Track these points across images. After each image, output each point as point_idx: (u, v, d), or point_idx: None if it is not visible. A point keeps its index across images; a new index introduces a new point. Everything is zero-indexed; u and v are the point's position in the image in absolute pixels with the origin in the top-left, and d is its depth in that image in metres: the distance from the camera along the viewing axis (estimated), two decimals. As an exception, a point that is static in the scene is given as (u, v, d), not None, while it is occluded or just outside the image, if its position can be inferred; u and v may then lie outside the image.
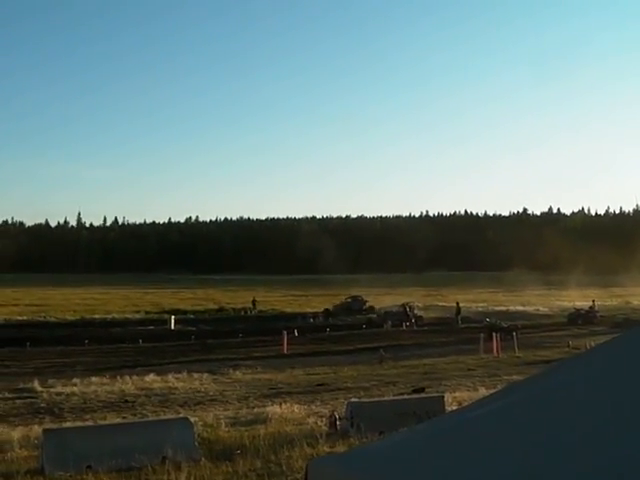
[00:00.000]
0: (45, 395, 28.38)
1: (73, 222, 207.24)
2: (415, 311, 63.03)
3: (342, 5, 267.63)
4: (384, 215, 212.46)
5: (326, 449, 17.78)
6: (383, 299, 71.63)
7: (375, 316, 62.29)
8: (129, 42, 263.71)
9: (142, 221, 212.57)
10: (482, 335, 43.91)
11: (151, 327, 55.74)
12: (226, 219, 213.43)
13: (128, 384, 30.65)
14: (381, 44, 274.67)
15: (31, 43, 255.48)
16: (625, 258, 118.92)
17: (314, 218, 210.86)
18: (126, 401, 27.48)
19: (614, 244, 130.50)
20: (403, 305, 63.29)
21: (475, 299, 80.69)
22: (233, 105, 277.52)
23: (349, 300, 68.08)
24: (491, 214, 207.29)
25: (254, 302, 71.08)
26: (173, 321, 57.49)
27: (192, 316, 64.11)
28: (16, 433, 19.88)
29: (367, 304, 67.95)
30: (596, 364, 4.06)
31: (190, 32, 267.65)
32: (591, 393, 3.65)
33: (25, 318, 59.72)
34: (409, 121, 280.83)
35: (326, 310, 65.98)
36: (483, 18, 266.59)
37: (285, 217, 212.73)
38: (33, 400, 27.65)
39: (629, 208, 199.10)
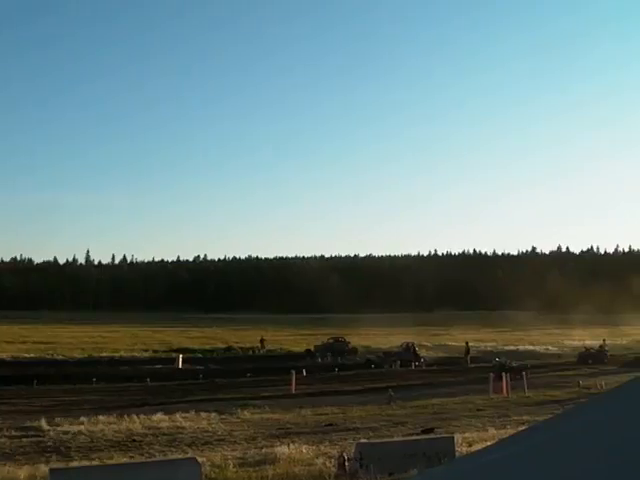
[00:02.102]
0: (52, 434, 28.22)
1: (82, 260, 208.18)
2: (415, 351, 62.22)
3: (346, 17, 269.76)
4: (393, 254, 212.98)
5: (335, 490, 17.64)
6: (391, 339, 71.30)
7: (374, 357, 61.36)
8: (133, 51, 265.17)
9: (151, 259, 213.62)
10: (491, 375, 43.64)
11: (159, 366, 55.46)
12: (234, 258, 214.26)
13: (135, 423, 30.48)
14: (389, 80, 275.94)
15: (26, 56, 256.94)
16: (635, 296, 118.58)
17: (322, 257, 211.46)
18: (133, 440, 27.31)
19: (623, 282, 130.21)
20: (403, 345, 62.74)
21: (484, 338, 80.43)
22: (242, 143, 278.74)
23: (331, 341, 67.02)
24: (500, 253, 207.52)
25: (262, 341, 70.87)
26: (181, 360, 57.28)
27: (200, 355, 63.89)
28: (22, 472, 19.78)
29: (350, 345, 66.99)
30: (614, 407, 4.00)
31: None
32: (610, 437, 3.58)
33: (33, 356, 59.53)
34: (417, 160, 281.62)
35: (307, 351, 65.58)
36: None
37: (294, 256, 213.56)
38: (40, 439, 27.48)
39: (638, 246, 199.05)
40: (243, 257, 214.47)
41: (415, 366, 58.31)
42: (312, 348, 65.80)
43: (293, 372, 44.89)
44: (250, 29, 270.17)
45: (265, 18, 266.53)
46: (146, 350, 66.11)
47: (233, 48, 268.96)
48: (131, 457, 23.93)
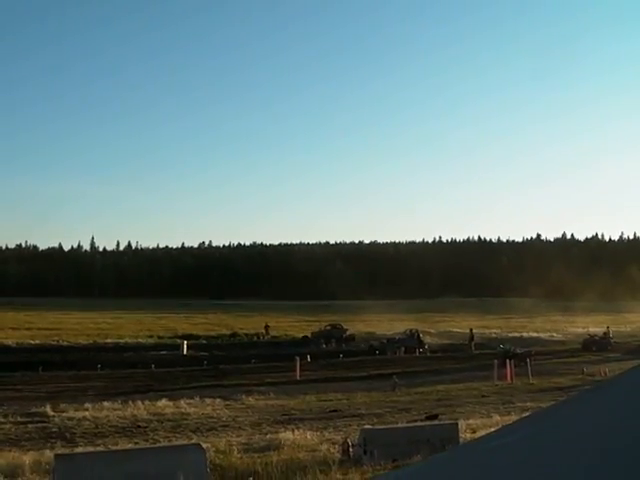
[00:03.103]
0: (57, 420, 28.32)
1: (86, 246, 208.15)
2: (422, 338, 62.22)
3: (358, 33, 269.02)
4: (397, 241, 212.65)
5: (339, 476, 17.70)
6: (395, 326, 71.26)
7: (378, 343, 61.37)
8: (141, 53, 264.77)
9: (155, 246, 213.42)
10: (496, 361, 43.67)
11: (164, 352, 55.56)
12: (239, 244, 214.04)
13: (140, 409, 30.56)
14: (398, 78, 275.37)
15: (31, 55, 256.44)
16: (639, 284, 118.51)
17: (327, 243, 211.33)
18: (138, 426, 27.40)
19: (628, 270, 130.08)
20: (406, 332, 62.75)
21: (489, 325, 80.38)
22: (247, 132, 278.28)
23: (328, 328, 66.93)
24: (504, 240, 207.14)
25: (267, 328, 70.87)
26: (185, 346, 57.35)
27: (205, 341, 63.93)
28: (27, 458, 19.84)
29: (347, 332, 66.62)
30: (618, 394, 3.99)
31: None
32: (613, 424, 3.58)
33: (38, 342, 59.61)
34: (423, 150, 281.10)
35: (305, 338, 65.69)
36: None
37: (298, 242, 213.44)
38: (45, 425, 27.60)
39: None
40: (248, 243, 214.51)
41: (419, 353, 58.39)
42: (309, 335, 65.94)
43: (297, 358, 44.93)
44: (261, 27, 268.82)
45: (272, 17, 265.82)
46: (151, 336, 66.20)
47: (241, 46, 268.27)
48: (136, 443, 24.01)
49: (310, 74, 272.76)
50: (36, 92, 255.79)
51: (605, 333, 65.43)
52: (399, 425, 25.58)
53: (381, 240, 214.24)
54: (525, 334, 72.41)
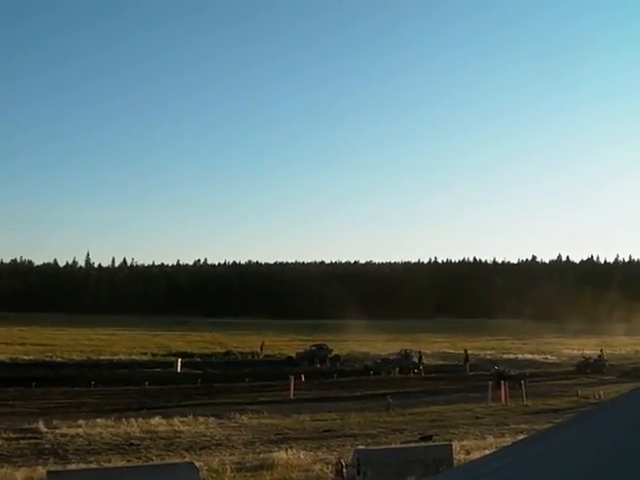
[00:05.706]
0: (50, 436, 28.18)
1: (82, 262, 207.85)
2: (415, 359, 62.02)
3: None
4: (393, 261, 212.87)
5: (332, 497, 17.60)
6: (391, 345, 71.25)
7: (372, 363, 61.16)
8: (140, 75, 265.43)
9: (150, 263, 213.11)
10: (490, 383, 43.59)
11: (158, 369, 55.46)
12: (234, 262, 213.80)
13: (133, 427, 30.43)
14: (405, 99, 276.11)
15: (29, 77, 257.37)
16: (635, 306, 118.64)
17: (323, 263, 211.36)
18: (131, 444, 27.26)
19: (624, 292, 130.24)
20: (401, 352, 62.72)
21: (483, 346, 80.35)
22: (243, 148, 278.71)
23: (314, 348, 66.43)
24: (500, 261, 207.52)
25: (262, 346, 70.67)
26: (180, 364, 57.24)
27: (199, 359, 63.83)
28: (19, 474, 19.76)
29: (332, 353, 66.00)
30: (613, 417, 3.99)
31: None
32: (609, 447, 3.58)
33: (31, 358, 59.47)
34: (419, 173, 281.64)
35: (289, 358, 65.49)
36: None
37: (294, 261, 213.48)
38: (37, 441, 27.44)
39: (639, 256, 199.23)
40: (243, 262, 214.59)
41: (414, 373, 58.28)
42: (294, 355, 65.71)
43: (292, 377, 44.84)
44: (257, 31, 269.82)
45: (268, 20, 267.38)
46: (145, 354, 66.07)
47: (245, 69, 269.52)
48: (129, 461, 23.89)
49: (311, 98, 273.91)
50: (35, 115, 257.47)
51: (600, 355, 65.43)
52: (393, 446, 25.49)
53: (376, 260, 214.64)
54: (519, 356, 72.48)
